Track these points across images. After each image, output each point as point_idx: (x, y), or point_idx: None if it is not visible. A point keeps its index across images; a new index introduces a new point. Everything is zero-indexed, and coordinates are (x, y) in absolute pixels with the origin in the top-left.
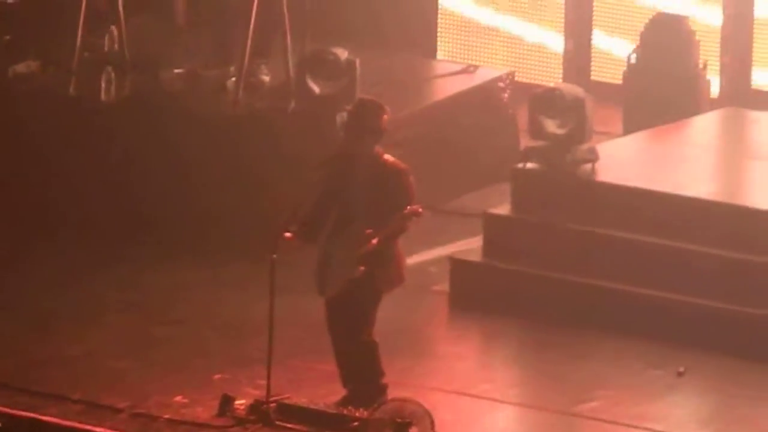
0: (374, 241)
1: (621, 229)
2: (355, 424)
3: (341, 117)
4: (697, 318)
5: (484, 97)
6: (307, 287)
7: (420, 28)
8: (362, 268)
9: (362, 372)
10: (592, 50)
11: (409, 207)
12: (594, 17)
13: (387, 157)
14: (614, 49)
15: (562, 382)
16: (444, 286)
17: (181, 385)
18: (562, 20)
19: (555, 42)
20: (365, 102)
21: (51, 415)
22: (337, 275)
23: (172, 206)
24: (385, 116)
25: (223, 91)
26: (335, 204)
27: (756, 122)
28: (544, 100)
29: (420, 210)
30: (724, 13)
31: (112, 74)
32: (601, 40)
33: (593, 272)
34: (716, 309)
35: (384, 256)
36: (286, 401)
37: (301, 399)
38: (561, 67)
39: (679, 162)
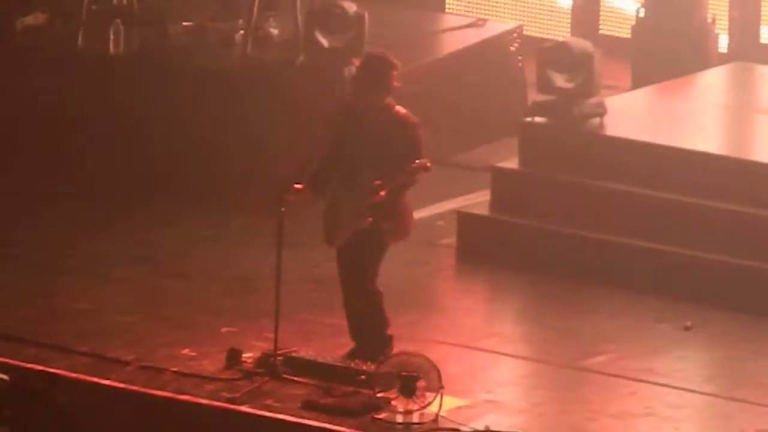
0: (382, 192)
1: (628, 184)
2: (362, 377)
3: (349, 70)
4: (704, 272)
5: (493, 51)
6: (314, 241)
7: None
8: (370, 219)
9: (367, 321)
10: (601, 4)
11: (417, 160)
12: None
13: (399, 109)
14: (623, 2)
15: (568, 336)
16: (451, 240)
17: (188, 338)
18: None
19: None
20: (374, 56)
21: (58, 368)
22: (345, 225)
23: (179, 160)
24: (395, 70)
25: (231, 44)
26: (344, 156)
27: (764, 77)
28: (552, 54)
29: (429, 164)
30: None
31: (120, 27)
32: None
33: (600, 226)
34: (723, 263)
35: (391, 208)
36: (294, 354)
37: (308, 352)
38: (569, 21)
39: (687, 116)
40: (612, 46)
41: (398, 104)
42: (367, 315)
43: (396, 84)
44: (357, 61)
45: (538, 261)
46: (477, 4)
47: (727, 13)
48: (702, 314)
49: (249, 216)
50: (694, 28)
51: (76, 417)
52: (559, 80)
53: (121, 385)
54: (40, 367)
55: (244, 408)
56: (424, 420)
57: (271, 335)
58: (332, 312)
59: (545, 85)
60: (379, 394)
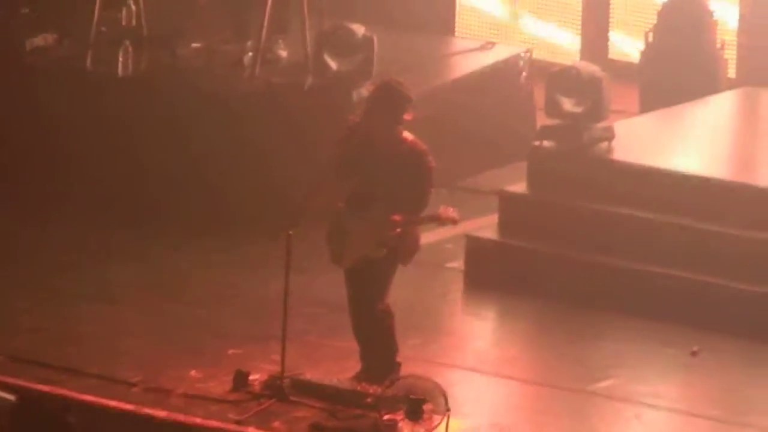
0: (398, 230)
1: (636, 209)
2: (369, 400)
3: (358, 93)
4: (712, 298)
5: (502, 75)
6: (322, 265)
7: (438, 4)
8: (385, 250)
9: (375, 343)
10: (610, 29)
11: (448, 212)
12: None
13: (407, 135)
14: (631, 28)
15: (576, 360)
16: (459, 264)
17: (195, 360)
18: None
19: (573, 21)
20: (390, 86)
21: (67, 389)
22: (355, 249)
23: (187, 183)
24: (408, 104)
25: (240, 66)
26: (350, 177)
27: None
28: (561, 79)
29: (457, 219)
30: None
31: (129, 49)
32: (618, 18)
33: (608, 251)
34: (731, 289)
35: (404, 235)
36: (300, 377)
37: (315, 375)
38: (578, 45)
39: (695, 141)
40: (620, 70)
41: (406, 129)
42: (376, 337)
43: (408, 117)
44: (371, 87)
45: (546, 285)
46: (486, 28)
47: (735, 39)
48: (709, 340)
49: (256, 239)
50: (702, 53)
51: None
52: (568, 104)
53: (129, 407)
54: (49, 388)
55: (250, 430)
56: None
57: (278, 357)
58: (339, 335)
59: (553, 110)
60: (385, 417)
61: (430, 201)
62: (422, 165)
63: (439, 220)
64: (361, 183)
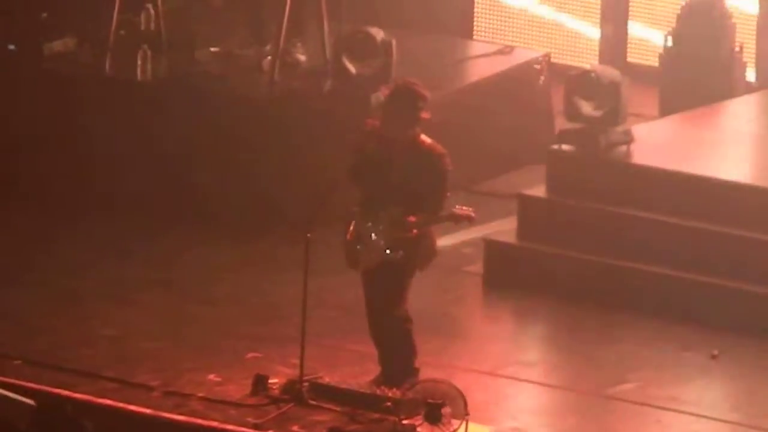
0: (415, 231)
1: (655, 212)
2: (388, 404)
3: (376, 97)
4: (732, 301)
5: (520, 78)
6: (341, 268)
7: (457, 8)
8: (401, 252)
9: (394, 347)
10: (629, 32)
11: (464, 210)
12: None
13: (424, 138)
14: (650, 31)
15: (594, 363)
16: (478, 267)
17: (214, 364)
18: (599, 2)
19: (592, 24)
20: (404, 87)
21: (84, 393)
22: (372, 252)
23: (206, 186)
24: (424, 102)
25: (259, 70)
26: (367, 181)
27: None
28: (580, 82)
29: (473, 215)
30: None
31: (148, 53)
32: (637, 22)
33: (627, 254)
34: (751, 292)
35: (421, 237)
36: (319, 381)
37: (334, 379)
38: (597, 49)
39: (714, 145)
40: (639, 73)
41: (425, 132)
42: (395, 341)
43: (425, 115)
44: (386, 90)
45: (565, 288)
46: (505, 31)
47: (754, 42)
48: (728, 343)
49: (274, 242)
50: (721, 57)
51: None
52: (587, 108)
53: (148, 411)
54: (66, 392)
55: None
56: None
57: (297, 361)
58: (358, 338)
59: (572, 113)
60: (404, 421)
61: (446, 204)
62: (439, 167)
63: (456, 219)
64: (377, 186)
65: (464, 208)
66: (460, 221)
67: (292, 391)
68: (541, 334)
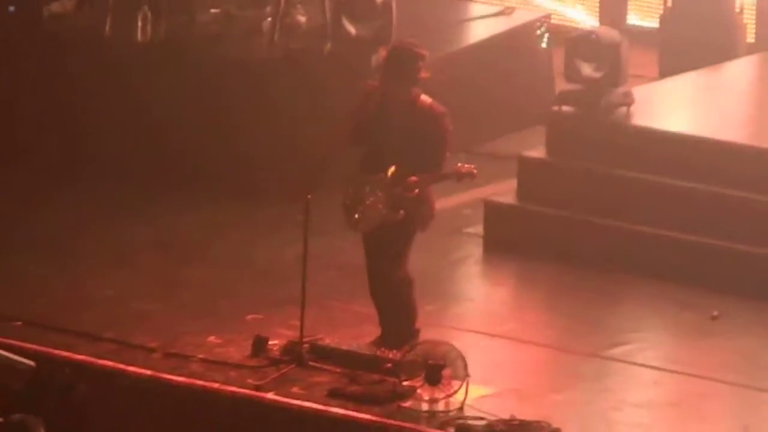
0: (416, 191)
1: (655, 173)
2: (388, 365)
3: (377, 59)
4: (731, 262)
5: (521, 39)
6: (340, 229)
7: None
8: (402, 212)
9: (394, 308)
10: None
11: (465, 166)
12: None
13: (424, 99)
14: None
15: (594, 325)
16: (478, 229)
17: (213, 325)
18: None
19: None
20: (401, 47)
21: (83, 354)
22: (372, 214)
23: (205, 148)
24: (422, 61)
25: (259, 32)
26: (367, 141)
27: None
28: (580, 44)
29: (475, 172)
30: None
31: (148, 14)
32: None
33: (627, 216)
34: (749, 253)
35: (420, 198)
36: (320, 342)
37: (334, 340)
38: (597, 10)
39: (714, 106)
40: (639, 34)
41: (425, 93)
42: (395, 303)
43: (424, 75)
44: (384, 51)
45: (564, 249)
46: None
47: (755, 3)
48: (727, 304)
49: (274, 204)
50: (721, 18)
51: (94, 415)
52: (587, 69)
53: (148, 372)
54: (66, 354)
55: (270, 395)
56: (450, 408)
57: (297, 323)
58: (358, 299)
59: (573, 75)
60: (404, 383)
61: (446, 164)
62: (439, 127)
63: (458, 176)
64: (377, 147)
65: (466, 165)
66: (462, 178)
67: (293, 352)
68: (540, 296)
